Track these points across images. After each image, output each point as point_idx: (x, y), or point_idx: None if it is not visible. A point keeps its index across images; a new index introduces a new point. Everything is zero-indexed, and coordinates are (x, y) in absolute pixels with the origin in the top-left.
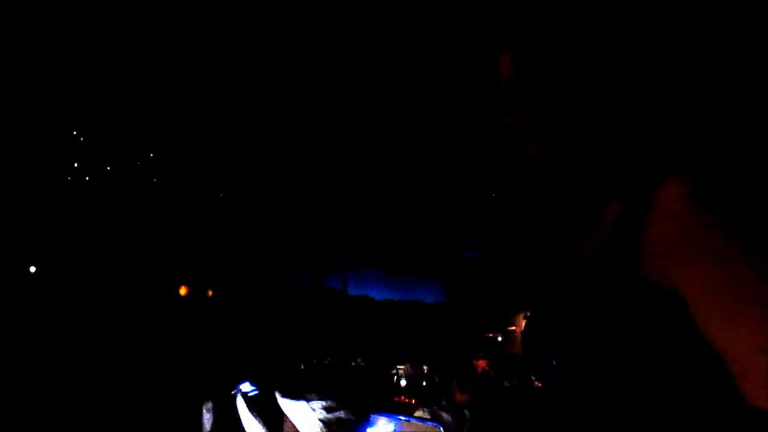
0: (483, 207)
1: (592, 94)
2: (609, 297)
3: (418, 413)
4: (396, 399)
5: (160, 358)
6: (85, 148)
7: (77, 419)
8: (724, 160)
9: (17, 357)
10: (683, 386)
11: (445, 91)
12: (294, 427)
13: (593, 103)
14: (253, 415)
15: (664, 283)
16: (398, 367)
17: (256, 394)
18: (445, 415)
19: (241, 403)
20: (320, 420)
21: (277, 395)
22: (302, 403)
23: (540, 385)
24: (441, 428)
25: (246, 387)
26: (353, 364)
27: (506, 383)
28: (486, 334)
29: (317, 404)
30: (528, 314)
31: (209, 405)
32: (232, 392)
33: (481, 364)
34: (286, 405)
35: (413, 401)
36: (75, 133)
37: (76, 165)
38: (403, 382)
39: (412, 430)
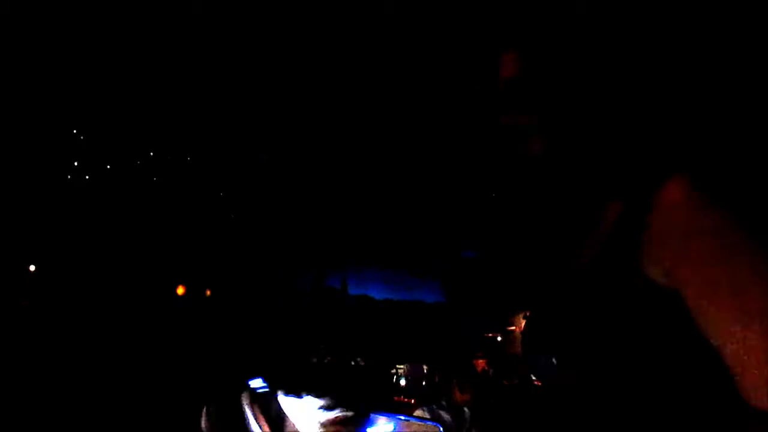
0: (483, 207)
1: (592, 94)
2: (609, 297)
3: (418, 413)
4: (396, 398)
5: (160, 358)
6: (86, 147)
7: (77, 418)
8: (725, 159)
9: (17, 354)
10: (683, 386)
11: (446, 91)
12: (294, 426)
13: (593, 103)
14: (258, 413)
15: (664, 282)
16: (398, 366)
17: (264, 392)
18: (444, 414)
19: (246, 400)
20: (319, 419)
21: (279, 394)
22: (302, 402)
23: (539, 384)
24: (440, 428)
25: (256, 383)
26: (353, 363)
27: (506, 383)
28: (486, 334)
29: (316, 403)
30: (528, 314)
31: (208, 405)
32: (240, 388)
33: (481, 363)
34: (286, 403)
35: (413, 401)
36: (75, 131)
37: (76, 164)
38: (402, 382)
39: (412, 429)
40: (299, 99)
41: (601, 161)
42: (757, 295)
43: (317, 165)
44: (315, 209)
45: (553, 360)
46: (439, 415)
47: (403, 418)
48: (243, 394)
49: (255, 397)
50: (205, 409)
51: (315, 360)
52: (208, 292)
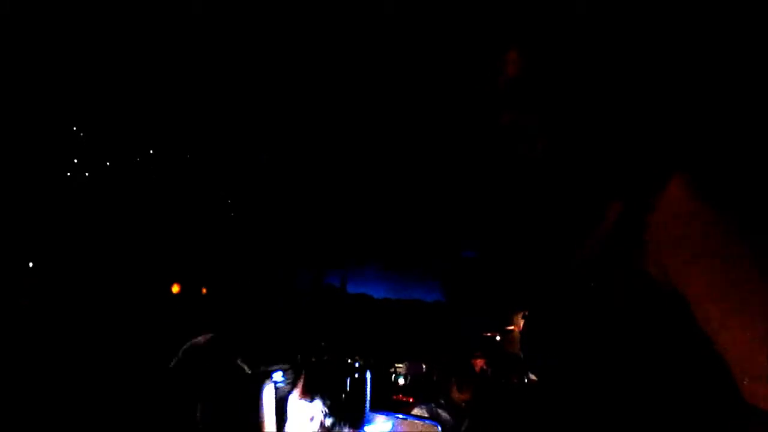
0: (483, 207)
1: (592, 93)
2: (609, 297)
3: (416, 411)
4: (394, 397)
5: (160, 357)
6: (85, 144)
7: (76, 418)
8: (725, 159)
9: (16, 353)
10: (683, 386)
11: (446, 91)
12: (293, 424)
13: (594, 102)
14: (271, 407)
15: (664, 282)
16: (397, 365)
17: (282, 387)
18: (443, 413)
19: (269, 392)
20: (318, 418)
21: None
22: (301, 401)
23: (535, 379)
24: (439, 427)
25: (278, 377)
26: (351, 362)
27: (504, 382)
28: (485, 333)
29: (315, 402)
30: (527, 314)
31: (204, 401)
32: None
33: (480, 362)
34: (290, 401)
35: (411, 399)
36: (75, 129)
37: (75, 161)
38: (401, 381)
39: (410, 428)
40: (299, 99)
41: (602, 161)
42: (758, 295)
43: (317, 165)
44: (315, 209)
45: (553, 360)
46: (438, 414)
47: (401, 416)
48: (265, 388)
49: (274, 391)
50: (200, 405)
51: (314, 359)
52: (204, 290)
